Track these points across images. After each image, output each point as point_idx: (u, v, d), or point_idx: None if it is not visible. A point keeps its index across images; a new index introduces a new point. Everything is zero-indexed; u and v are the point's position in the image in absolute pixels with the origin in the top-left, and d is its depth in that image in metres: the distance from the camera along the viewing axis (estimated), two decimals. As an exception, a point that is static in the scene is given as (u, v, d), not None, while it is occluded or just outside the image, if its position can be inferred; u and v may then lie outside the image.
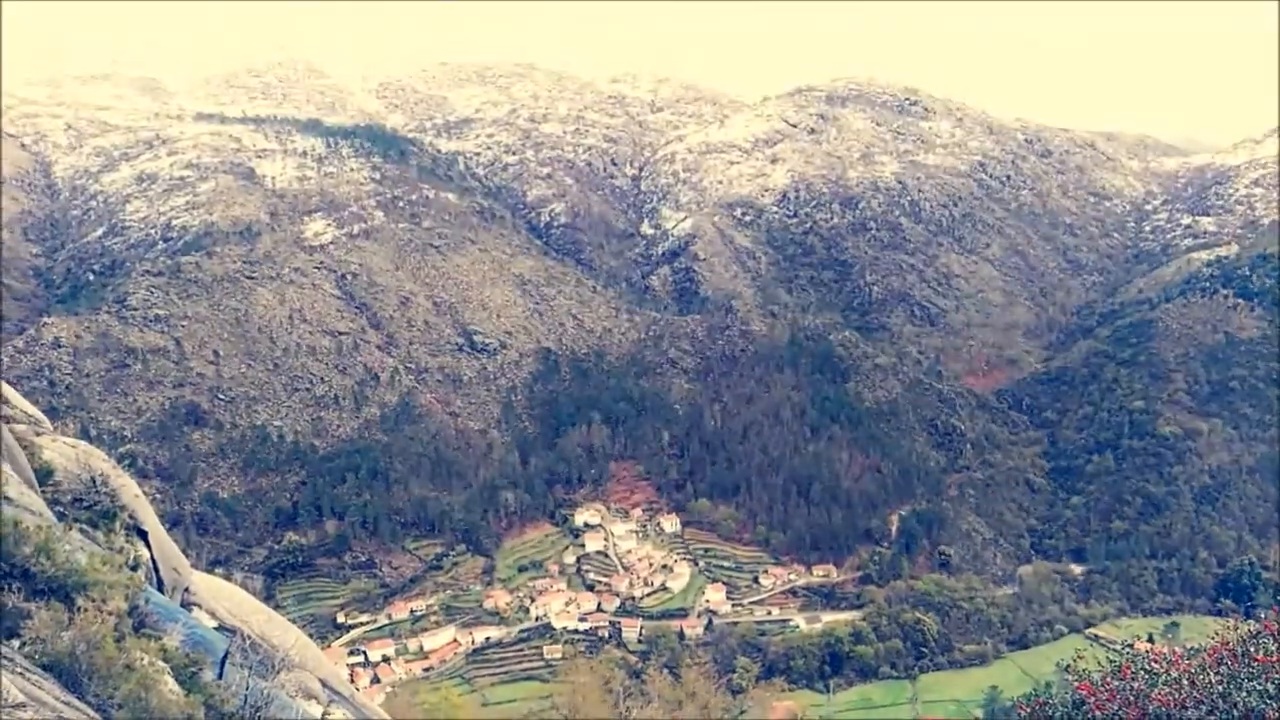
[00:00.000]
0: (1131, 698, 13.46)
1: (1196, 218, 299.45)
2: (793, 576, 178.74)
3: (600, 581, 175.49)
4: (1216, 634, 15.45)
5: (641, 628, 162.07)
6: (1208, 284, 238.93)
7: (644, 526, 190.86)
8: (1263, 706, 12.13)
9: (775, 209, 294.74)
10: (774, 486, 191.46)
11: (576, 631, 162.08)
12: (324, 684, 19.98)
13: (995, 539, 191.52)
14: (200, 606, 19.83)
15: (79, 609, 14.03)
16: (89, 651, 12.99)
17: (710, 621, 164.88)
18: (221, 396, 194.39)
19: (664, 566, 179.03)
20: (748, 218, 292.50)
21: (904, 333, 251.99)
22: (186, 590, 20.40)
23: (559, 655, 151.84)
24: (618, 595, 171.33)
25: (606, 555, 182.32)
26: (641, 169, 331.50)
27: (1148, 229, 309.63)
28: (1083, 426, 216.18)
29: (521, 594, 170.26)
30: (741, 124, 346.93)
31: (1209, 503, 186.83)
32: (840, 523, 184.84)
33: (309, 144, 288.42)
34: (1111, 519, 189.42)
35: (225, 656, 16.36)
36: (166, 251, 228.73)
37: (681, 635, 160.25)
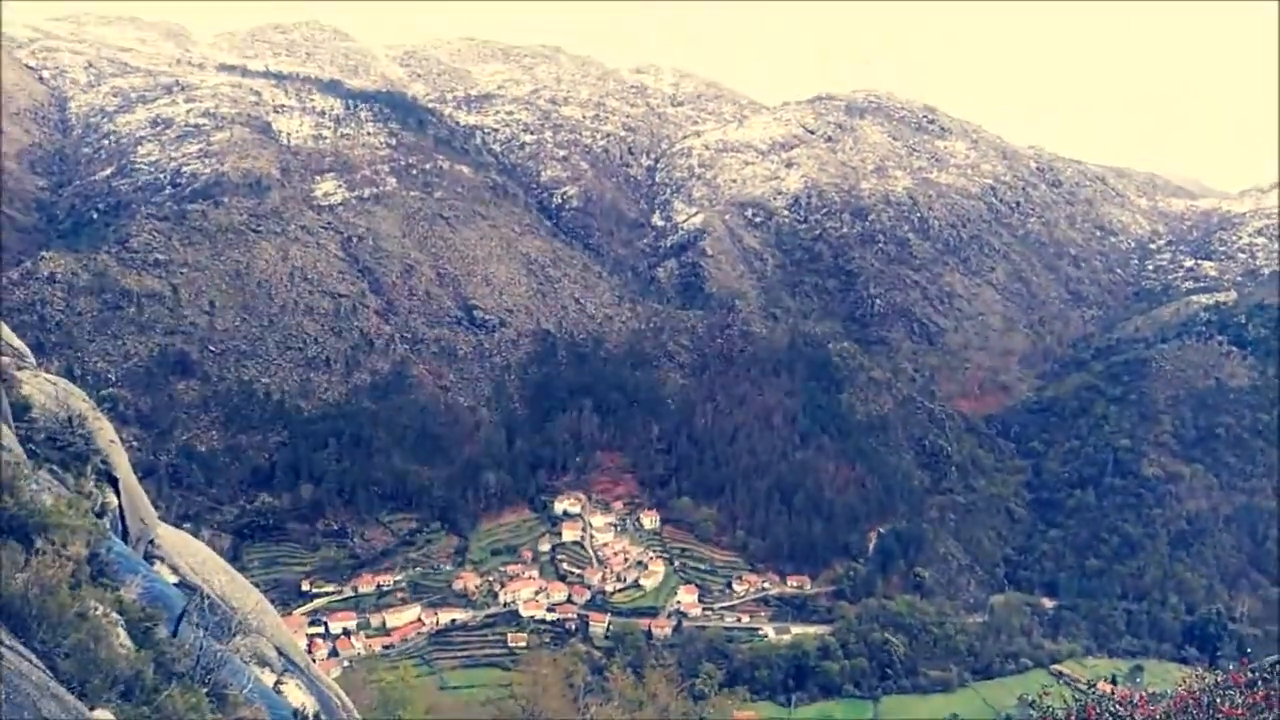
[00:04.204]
0: (1094, 740, 13.35)
1: (1199, 261, 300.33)
2: (766, 585, 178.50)
3: (573, 572, 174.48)
4: (1183, 682, 15.38)
5: (609, 623, 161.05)
6: (1204, 329, 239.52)
7: (623, 520, 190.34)
8: (1225, 759, 12.02)
9: (786, 213, 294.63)
10: (757, 491, 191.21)
11: (544, 621, 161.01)
12: (280, 652, 19.75)
13: (971, 565, 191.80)
14: (163, 560, 19.58)
15: (37, 551, 13.77)
16: (41, 596, 12.71)
17: (679, 623, 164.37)
18: (212, 348, 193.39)
19: (639, 563, 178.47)
20: (758, 218, 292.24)
21: (902, 348, 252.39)
22: (151, 543, 20.14)
23: (523, 644, 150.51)
24: (589, 588, 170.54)
25: (582, 546, 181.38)
26: (657, 160, 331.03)
27: (1150, 268, 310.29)
28: (1067, 460, 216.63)
29: (492, 578, 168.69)
30: (760, 126, 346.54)
31: (1184, 548, 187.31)
32: (819, 534, 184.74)
33: (328, 104, 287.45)
34: (1087, 556, 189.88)
35: (182, 614, 16.10)
36: (174, 197, 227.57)
37: (649, 635, 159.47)
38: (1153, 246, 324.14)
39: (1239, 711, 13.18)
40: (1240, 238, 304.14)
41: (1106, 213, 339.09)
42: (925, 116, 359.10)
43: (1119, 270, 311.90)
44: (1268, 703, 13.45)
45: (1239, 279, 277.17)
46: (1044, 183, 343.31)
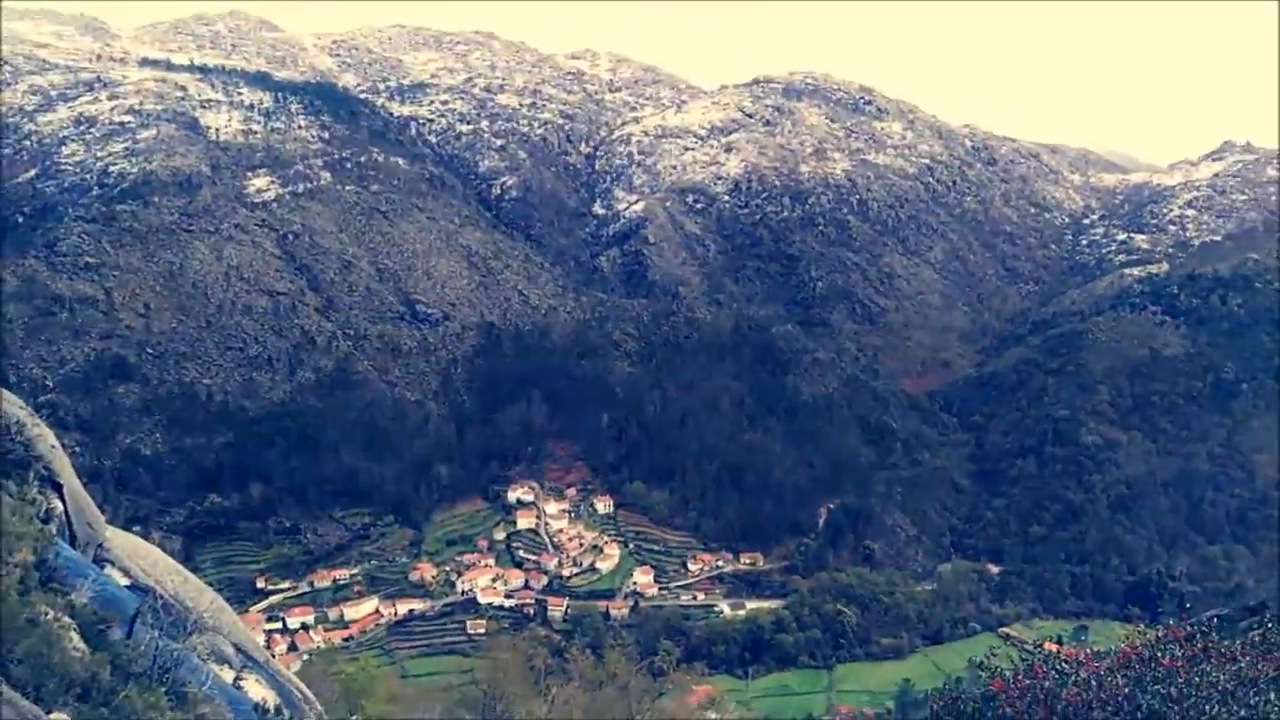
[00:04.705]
0: (1041, 696, 13.82)
1: (1131, 234, 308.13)
2: (720, 563, 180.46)
3: (529, 559, 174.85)
4: (1125, 639, 16.01)
5: (567, 607, 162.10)
6: (1137, 300, 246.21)
7: (577, 506, 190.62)
8: (1165, 709, 12.56)
9: (727, 198, 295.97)
10: (708, 474, 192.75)
11: (502, 608, 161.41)
12: (238, 649, 19.55)
13: (918, 536, 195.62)
14: (113, 564, 19.21)
15: (-18, 560, 13.49)
16: (-10, 604, 12.49)
17: (636, 604, 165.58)
18: (150, 351, 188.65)
19: (594, 547, 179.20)
20: (699, 205, 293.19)
21: (844, 329, 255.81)
22: (100, 547, 19.74)
23: (482, 631, 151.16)
24: (546, 573, 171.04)
25: (537, 533, 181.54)
26: (596, 148, 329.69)
27: (1084, 242, 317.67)
28: (1009, 431, 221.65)
29: (448, 568, 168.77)
30: (698, 110, 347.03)
31: (1123, 512, 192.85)
32: (770, 513, 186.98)
33: (257, 97, 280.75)
34: (1030, 523, 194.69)
35: (135, 615, 15.87)
36: (101, 198, 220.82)
37: (607, 616, 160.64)
38: (1086, 221, 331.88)
39: (1179, 664, 13.75)
40: (1171, 210, 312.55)
41: (1041, 189, 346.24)
42: (862, 98, 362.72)
43: (1054, 246, 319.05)
44: (1205, 654, 14.08)
45: (1170, 250, 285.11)
46: (979, 161, 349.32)
